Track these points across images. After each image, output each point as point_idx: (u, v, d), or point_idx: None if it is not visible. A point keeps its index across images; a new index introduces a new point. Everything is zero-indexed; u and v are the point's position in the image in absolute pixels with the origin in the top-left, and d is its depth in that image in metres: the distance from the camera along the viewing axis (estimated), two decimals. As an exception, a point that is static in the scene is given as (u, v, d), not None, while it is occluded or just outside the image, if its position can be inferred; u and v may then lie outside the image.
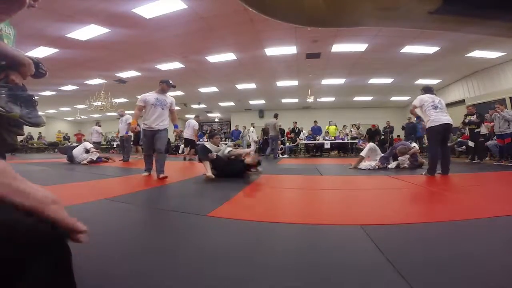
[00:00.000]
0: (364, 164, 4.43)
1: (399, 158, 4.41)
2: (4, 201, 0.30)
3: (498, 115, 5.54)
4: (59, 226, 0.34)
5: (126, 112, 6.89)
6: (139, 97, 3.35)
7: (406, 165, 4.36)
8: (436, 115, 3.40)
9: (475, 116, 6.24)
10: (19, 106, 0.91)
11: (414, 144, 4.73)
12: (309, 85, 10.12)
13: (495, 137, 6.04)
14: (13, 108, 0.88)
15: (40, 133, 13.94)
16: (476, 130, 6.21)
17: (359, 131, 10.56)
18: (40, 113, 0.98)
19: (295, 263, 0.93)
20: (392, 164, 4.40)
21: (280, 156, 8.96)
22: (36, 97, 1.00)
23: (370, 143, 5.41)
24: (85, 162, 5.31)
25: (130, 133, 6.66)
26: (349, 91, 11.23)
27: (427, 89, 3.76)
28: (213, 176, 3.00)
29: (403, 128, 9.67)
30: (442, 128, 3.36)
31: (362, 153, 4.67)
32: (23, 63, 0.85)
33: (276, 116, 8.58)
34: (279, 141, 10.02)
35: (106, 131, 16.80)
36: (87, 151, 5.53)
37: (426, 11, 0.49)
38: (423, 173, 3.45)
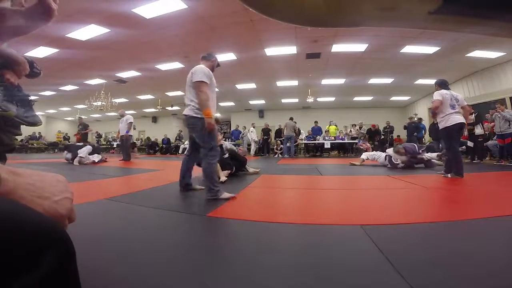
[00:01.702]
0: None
1: (393, 154, 4.46)
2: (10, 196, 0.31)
3: (498, 115, 5.55)
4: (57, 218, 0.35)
5: (126, 112, 6.91)
6: (198, 72, 2.23)
7: (400, 163, 4.42)
8: (453, 115, 3.26)
9: (473, 115, 6.25)
10: (15, 106, 0.90)
11: (426, 155, 4.62)
12: (309, 85, 10.12)
13: (495, 137, 6.04)
14: (9, 107, 0.87)
15: (39, 133, 13.96)
16: (473, 131, 6.22)
17: (361, 130, 10.56)
18: (40, 113, 0.98)
19: (295, 263, 0.93)
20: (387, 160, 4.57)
21: (280, 156, 8.98)
22: (32, 97, 1.00)
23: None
24: (87, 162, 5.34)
25: (131, 133, 6.69)
26: (349, 91, 11.22)
27: (443, 84, 3.49)
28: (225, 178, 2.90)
29: (405, 127, 9.67)
30: (457, 128, 3.26)
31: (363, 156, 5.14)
32: (17, 62, 0.84)
33: (292, 118, 9.38)
34: (278, 141, 10.06)
35: (106, 131, 16.86)
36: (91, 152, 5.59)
37: (426, 11, 0.48)
38: (449, 175, 3.21)
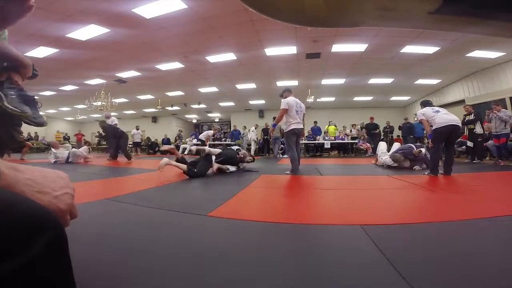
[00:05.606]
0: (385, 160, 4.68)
1: (392, 162, 4.46)
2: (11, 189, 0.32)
3: (494, 115, 5.54)
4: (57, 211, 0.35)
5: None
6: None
7: (392, 163, 4.45)
8: (441, 117, 3.37)
9: (472, 115, 6.25)
10: (27, 107, 0.93)
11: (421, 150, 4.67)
12: (309, 85, 10.12)
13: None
14: (24, 108, 0.90)
15: (35, 133, 14.00)
16: (474, 130, 6.22)
17: (362, 131, 10.52)
18: (40, 113, 1.00)
19: (295, 263, 0.93)
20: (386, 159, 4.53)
21: (281, 156, 8.97)
22: (37, 98, 1.01)
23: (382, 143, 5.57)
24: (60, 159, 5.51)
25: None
26: (349, 91, 11.22)
27: (426, 103, 3.89)
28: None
29: (400, 128, 9.65)
30: (449, 129, 3.31)
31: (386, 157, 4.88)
32: (24, 64, 0.85)
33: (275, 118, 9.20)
34: (279, 141, 10.04)
35: (105, 131, 16.81)
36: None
37: (426, 11, 0.48)
38: (426, 173, 3.49)
